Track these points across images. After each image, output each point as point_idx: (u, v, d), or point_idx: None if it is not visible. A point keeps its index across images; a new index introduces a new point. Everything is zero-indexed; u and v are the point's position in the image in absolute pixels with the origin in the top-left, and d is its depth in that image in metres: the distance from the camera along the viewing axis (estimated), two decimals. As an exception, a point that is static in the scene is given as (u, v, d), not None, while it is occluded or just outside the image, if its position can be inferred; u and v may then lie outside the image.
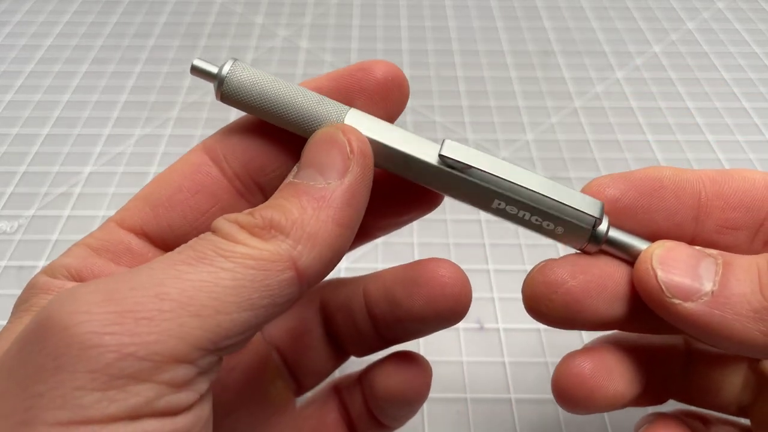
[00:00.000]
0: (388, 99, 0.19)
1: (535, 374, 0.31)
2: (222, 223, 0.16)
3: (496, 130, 0.44)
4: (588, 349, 0.20)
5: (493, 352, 0.32)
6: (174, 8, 0.57)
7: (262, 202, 0.19)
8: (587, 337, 0.32)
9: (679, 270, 0.17)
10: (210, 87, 0.47)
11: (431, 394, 0.24)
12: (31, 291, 0.17)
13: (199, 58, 0.18)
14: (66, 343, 0.13)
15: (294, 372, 0.23)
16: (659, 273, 0.17)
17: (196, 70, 0.18)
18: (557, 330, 0.32)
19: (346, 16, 0.56)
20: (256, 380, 0.22)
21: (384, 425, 0.23)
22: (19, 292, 0.37)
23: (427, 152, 0.19)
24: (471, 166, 0.18)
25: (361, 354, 0.24)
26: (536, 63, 0.51)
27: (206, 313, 0.14)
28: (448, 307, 0.20)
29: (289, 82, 0.18)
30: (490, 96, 0.48)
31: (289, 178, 0.17)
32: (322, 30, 0.54)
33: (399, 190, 0.21)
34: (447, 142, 0.18)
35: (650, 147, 0.43)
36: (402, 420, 0.23)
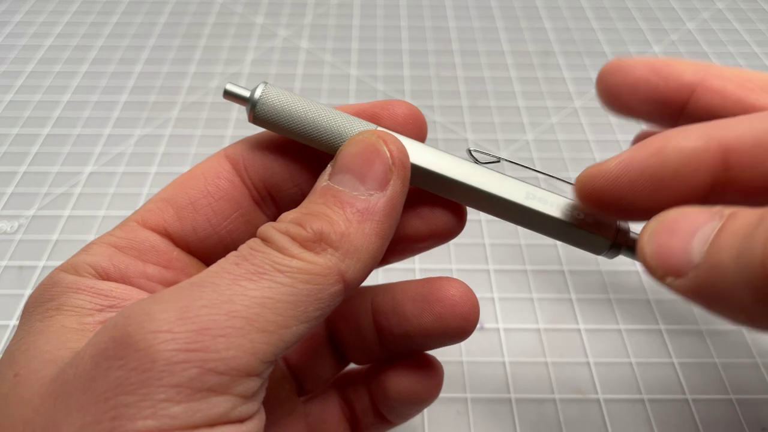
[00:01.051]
0: (406, 135, 0.20)
1: (535, 374, 0.31)
2: (273, 233, 0.16)
3: (496, 130, 0.45)
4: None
5: (493, 352, 0.32)
6: (174, 8, 0.57)
7: (275, 212, 0.20)
8: (592, 345, 0.32)
9: (669, 245, 0.16)
10: (210, 88, 0.47)
11: (431, 404, 0.24)
12: (56, 289, 0.17)
13: (231, 82, 0.19)
14: (151, 359, 0.14)
15: (297, 376, 0.24)
16: (647, 250, 0.16)
17: (229, 95, 0.19)
18: (557, 330, 0.32)
19: (346, 16, 0.56)
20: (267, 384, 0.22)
21: (388, 421, 0.23)
22: (19, 291, 0.37)
23: (455, 157, 0.19)
24: (499, 158, 0.19)
25: (362, 362, 0.24)
26: (536, 63, 0.51)
27: (271, 328, 0.15)
28: (456, 326, 0.21)
29: (317, 103, 0.19)
30: (490, 96, 0.48)
31: (324, 179, 0.18)
32: (322, 30, 0.54)
33: (420, 213, 0.21)
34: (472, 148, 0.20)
35: (650, 147, 0.43)
36: (408, 417, 0.24)
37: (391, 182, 0.17)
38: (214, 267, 0.16)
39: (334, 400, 0.24)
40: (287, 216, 0.17)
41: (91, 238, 0.36)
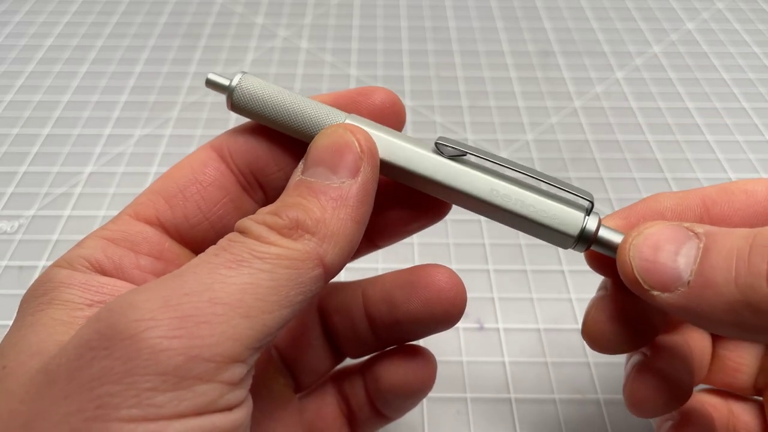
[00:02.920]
0: (384, 124, 0.20)
1: (535, 374, 0.31)
2: (250, 224, 0.16)
3: (496, 130, 0.45)
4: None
5: (493, 351, 0.32)
6: (174, 8, 0.57)
7: (263, 198, 0.21)
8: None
9: (657, 258, 0.17)
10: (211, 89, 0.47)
11: (431, 394, 0.24)
12: (49, 284, 0.17)
13: (214, 72, 0.20)
14: (135, 348, 0.14)
15: (293, 370, 0.24)
16: (635, 264, 0.18)
17: (210, 83, 0.20)
18: (557, 330, 0.32)
19: (346, 16, 0.56)
20: (260, 377, 0.22)
21: (384, 416, 0.24)
22: (19, 291, 0.37)
23: (423, 149, 0.20)
24: (465, 152, 0.20)
25: (357, 355, 0.24)
26: (536, 63, 0.51)
27: (254, 313, 0.15)
28: (443, 310, 0.21)
29: (292, 92, 0.20)
30: (490, 96, 0.48)
31: (298, 174, 0.18)
32: (322, 30, 0.54)
33: (402, 199, 0.22)
34: (440, 136, 0.20)
35: (650, 147, 0.43)
36: (403, 411, 0.24)
37: (362, 169, 0.18)
38: (195, 259, 0.16)
39: (331, 396, 0.24)
40: (264, 209, 0.17)
41: (91, 238, 0.36)
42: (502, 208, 0.19)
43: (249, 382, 0.16)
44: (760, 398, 0.23)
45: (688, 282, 0.17)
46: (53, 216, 0.38)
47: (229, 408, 0.15)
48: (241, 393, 0.15)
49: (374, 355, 0.24)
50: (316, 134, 0.19)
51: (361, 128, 0.19)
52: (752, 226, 0.17)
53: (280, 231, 0.16)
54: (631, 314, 0.19)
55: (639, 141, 0.44)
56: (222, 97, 0.46)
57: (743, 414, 0.23)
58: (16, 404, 0.14)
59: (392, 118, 0.21)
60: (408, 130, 0.44)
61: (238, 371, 0.15)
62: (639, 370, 0.21)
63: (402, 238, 0.23)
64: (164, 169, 0.41)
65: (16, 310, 0.18)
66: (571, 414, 0.29)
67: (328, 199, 0.17)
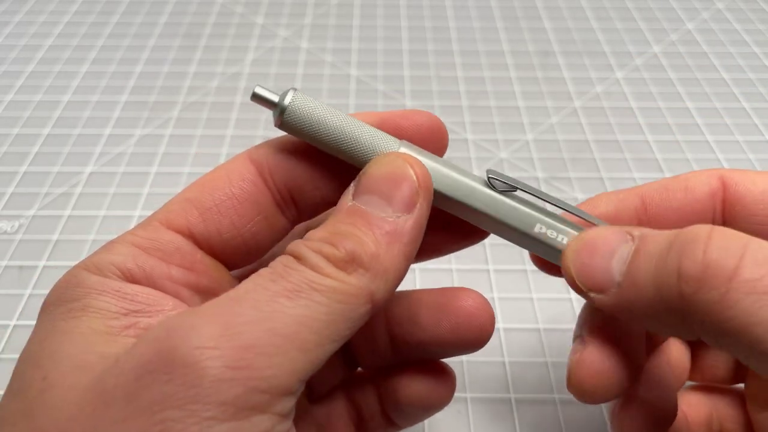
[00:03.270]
0: (427, 147, 0.20)
1: (535, 374, 0.31)
2: (306, 252, 0.16)
3: (496, 130, 0.45)
4: (595, 340, 0.20)
5: (493, 352, 0.32)
6: (174, 8, 0.57)
7: (295, 215, 0.21)
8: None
9: (592, 264, 0.18)
10: (211, 88, 0.47)
11: (442, 409, 0.24)
12: (80, 289, 0.17)
13: (260, 86, 0.19)
14: (198, 375, 0.14)
15: (308, 380, 0.24)
16: (573, 268, 0.18)
17: (257, 98, 0.19)
18: (557, 330, 0.32)
19: (346, 16, 0.56)
20: None
21: (395, 425, 0.24)
22: (19, 291, 0.37)
23: (475, 182, 0.20)
24: (516, 187, 0.20)
25: (372, 367, 0.24)
26: (536, 63, 0.51)
27: (309, 347, 0.15)
28: (473, 337, 0.21)
29: (344, 114, 0.19)
30: (490, 96, 0.48)
31: (349, 199, 0.18)
32: (322, 30, 0.54)
33: (444, 223, 0.22)
34: (490, 169, 0.20)
35: (650, 147, 0.43)
36: (417, 421, 0.24)
37: (418, 205, 0.17)
38: (249, 283, 0.16)
39: (341, 403, 0.24)
40: (315, 234, 0.17)
41: (91, 238, 0.36)
42: (543, 243, 0.20)
43: (294, 412, 0.16)
44: (742, 385, 0.24)
45: (619, 283, 0.17)
46: (53, 216, 0.38)
47: None
48: (288, 424, 0.15)
49: (392, 367, 0.23)
50: (367, 159, 0.19)
51: (417, 160, 0.18)
52: (690, 223, 0.18)
53: (336, 263, 0.16)
54: (615, 361, 0.19)
55: (639, 141, 0.44)
56: (224, 96, 0.46)
57: (727, 407, 0.23)
58: (65, 421, 0.14)
59: (435, 142, 0.20)
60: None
61: (289, 404, 0.15)
62: (624, 404, 0.21)
63: (436, 257, 0.23)
64: (164, 169, 0.41)
65: (20, 312, 0.18)
66: (571, 414, 0.29)
67: (383, 233, 0.17)
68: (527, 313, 0.33)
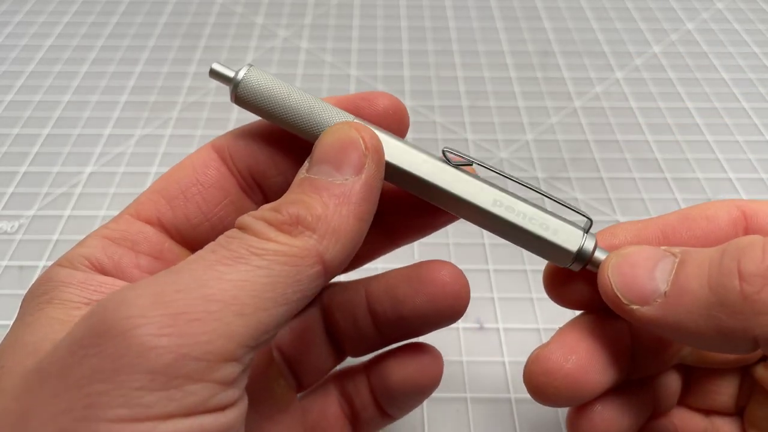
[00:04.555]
0: (388, 129, 0.20)
1: (535, 374, 0.31)
2: (249, 220, 0.16)
3: (496, 130, 0.45)
4: (562, 340, 0.20)
5: (493, 351, 0.32)
6: (174, 8, 0.57)
7: (262, 200, 0.21)
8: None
9: (634, 275, 0.18)
10: (210, 88, 0.47)
11: (431, 393, 0.24)
12: (50, 283, 0.17)
13: (218, 62, 0.19)
14: (125, 345, 0.13)
15: (295, 370, 0.24)
16: (613, 281, 0.18)
17: (214, 73, 0.19)
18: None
19: (346, 16, 0.56)
20: (261, 379, 0.22)
21: (388, 415, 0.24)
22: (19, 291, 0.37)
23: (429, 156, 0.20)
24: (471, 161, 0.20)
25: (359, 353, 0.24)
26: (536, 63, 0.51)
27: (248, 311, 0.15)
28: (448, 305, 0.21)
29: (299, 90, 0.19)
30: (490, 96, 0.48)
31: (302, 173, 0.18)
32: (322, 30, 0.54)
33: (408, 209, 0.22)
34: (446, 146, 0.20)
35: (650, 147, 0.43)
36: (408, 410, 0.24)
37: (366, 166, 0.17)
38: (191, 256, 0.16)
39: (333, 396, 0.24)
40: (265, 206, 0.17)
41: (91, 238, 0.36)
42: (503, 220, 0.19)
43: (244, 381, 0.15)
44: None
45: (665, 293, 0.17)
46: (53, 216, 0.38)
47: (221, 408, 0.14)
48: (234, 393, 0.15)
49: (379, 354, 0.24)
50: (320, 133, 0.19)
51: (366, 127, 0.19)
52: None
53: (280, 227, 0.16)
54: (576, 368, 0.19)
55: (639, 141, 0.44)
56: (224, 96, 0.46)
57: (724, 425, 0.23)
58: (9, 402, 0.14)
59: (395, 123, 0.20)
60: (408, 130, 0.44)
61: (230, 370, 0.14)
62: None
63: (407, 243, 0.23)
64: (164, 169, 0.41)
65: (20, 303, 0.18)
66: (571, 414, 0.29)
67: (330, 195, 0.17)
68: (527, 313, 0.33)
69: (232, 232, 0.16)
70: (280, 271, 0.15)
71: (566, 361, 0.19)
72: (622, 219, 0.38)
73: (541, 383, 0.19)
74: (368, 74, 0.50)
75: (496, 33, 0.55)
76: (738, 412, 0.23)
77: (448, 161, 0.20)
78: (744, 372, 0.22)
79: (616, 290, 0.18)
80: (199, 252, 0.16)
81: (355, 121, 0.19)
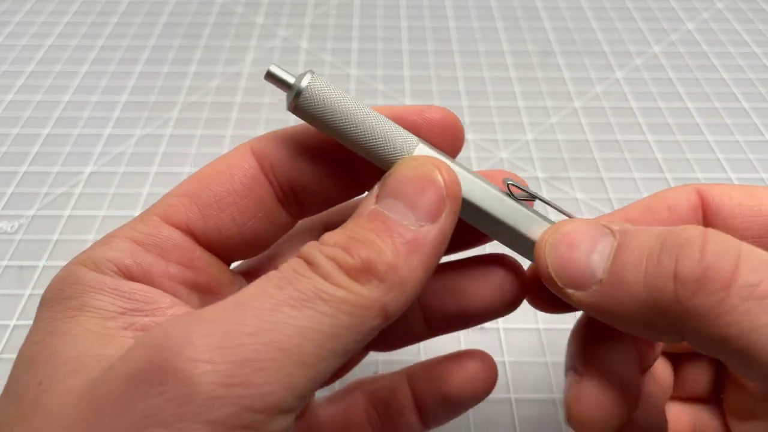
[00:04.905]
0: (443, 144, 0.19)
1: (535, 374, 0.31)
2: (319, 257, 0.15)
3: (496, 130, 0.45)
4: (590, 372, 0.20)
5: (493, 351, 0.31)
6: (174, 8, 0.57)
7: (298, 211, 0.20)
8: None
9: (571, 258, 0.17)
10: (211, 88, 0.47)
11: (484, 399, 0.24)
12: (77, 287, 0.16)
13: (276, 65, 0.18)
14: (189, 391, 0.13)
15: None
16: (550, 262, 0.17)
17: (271, 77, 0.18)
18: (557, 330, 0.32)
19: (346, 16, 0.56)
20: None
21: (425, 425, 0.23)
22: (19, 291, 0.37)
23: (496, 189, 0.19)
24: (535, 197, 0.19)
25: (394, 347, 0.23)
26: (536, 63, 0.51)
27: (310, 362, 0.14)
28: (512, 299, 0.21)
29: (362, 102, 0.18)
30: (490, 96, 0.48)
31: (372, 202, 0.17)
32: (322, 30, 0.54)
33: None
34: (508, 178, 0.19)
35: (650, 147, 0.43)
36: (451, 417, 0.24)
37: (444, 214, 0.16)
38: (256, 288, 0.15)
39: (359, 403, 0.23)
40: (332, 238, 0.16)
41: (91, 237, 0.36)
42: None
43: (292, 428, 0.15)
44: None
45: (601, 280, 0.17)
46: (53, 216, 0.38)
47: None
48: None
49: (425, 362, 0.23)
50: (382, 156, 0.18)
51: (446, 165, 0.17)
52: None
53: (349, 272, 0.15)
54: (614, 392, 0.19)
55: (639, 141, 0.44)
56: (224, 95, 0.46)
57: (710, 419, 0.23)
58: (58, 428, 0.14)
59: (451, 139, 0.19)
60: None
61: (285, 421, 0.14)
62: None
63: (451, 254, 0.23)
64: (164, 169, 0.41)
65: (20, 312, 0.17)
66: (571, 414, 0.29)
67: (403, 242, 0.16)
68: (527, 313, 0.33)
69: (299, 266, 0.15)
70: (344, 321, 0.15)
71: (606, 390, 0.19)
72: (622, 219, 0.38)
73: (591, 419, 0.19)
74: (368, 74, 0.50)
75: (496, 33, 0.55)
76: (716, 397, 0.23)
77: (511, 194, 0.19)
78: (718, 361, 0.22)
79: (552, 272, 0.17)
80: (264, 285, 0.15)
81: (420, 146, 0.18)
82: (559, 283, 0.17)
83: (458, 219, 0.18)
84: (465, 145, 0.43)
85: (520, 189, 0.19)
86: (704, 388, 0.23)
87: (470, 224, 0.19)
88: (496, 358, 0.31)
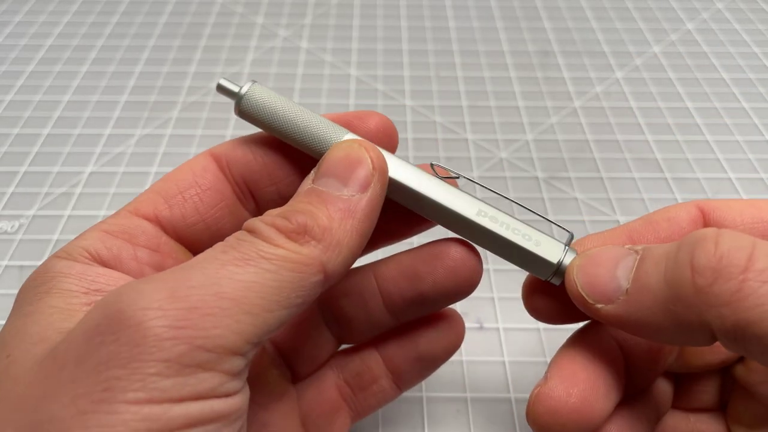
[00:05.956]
0: (379, 144, 0.21)
1: (535, 373, 0.31)
2: (259, 225, 0.17)
3: (496, 130, 0.45)
4: (560, 374, 0.20)
5: (492, 351, 0.32)
6: (174, 8, 0.57)
7: (255, 208, 0.22)
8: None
9: (597, 274, 0.19)
10: (211, 88, 0.47)
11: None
12: (48, 274, 0.18)
13: (224, 78, 0.21)
14: (142, 335, 0.14)
15: (290, 362, 0.24)
16: (579, 281, 0.19)
17: (220, 89, 0.21)
18: (557, 329, 0.32)
19: (346, 16, 0.56)
20: (254, 370, 0.22)
21: (398, 388, 0.25)
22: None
23: (420, 170, 0.21)
24: (459, 175, 0.21)
25: (362, 338, 0.25)
26: (536, 63, 0.51)
27: (256, 311, 0.16)
28: (466, 277, 0.22)
29: (299, 105, 0.21)
30: (490, 96, 0.48)
31: (308, 182, 0.19)
32: (322, 30, 0.54)
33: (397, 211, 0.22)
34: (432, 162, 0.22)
35: (650, 147, 0.43)
36: (425, 376, 0.25)
37: (372, 185, 0.18)
38: (202, 254, 0.17)
39: (330, 380, 0.25)
40: (272, 212, 0.18)
41: (91, 237, 0.36)
42: (486, 230, 0.20)
43: (246, 373, 0.16)
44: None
45: (627, 290, 0.18)
46: (53, 216, 0.38)
47: (228, 395, 0.15)
48: (239, 383, 0.16)
49: (392, 330, 0.24)
50: (316, 147, 0.20)
51: (374, 146, 0.19)
52: None
53: (288, 234, 0.17)
54: (579, 401, 0.19)
55: (639, 141, 0.44)
56: (223, 98, 0.46)
57: (707, 421, 0.23)
58: (23, 388, 0.15)
59: (386, 142, 0.21)
60: (408, 130, 0.44)
61: (237, 363, 0.15)
62: None
63: (397, 242, 0.24)
64: (164, 169, 0.41)
65: (14, 301, 0.18)
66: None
67: (336, 209, 0.18)
68: (527, 313, 0.33)
69: (242, 234, 0.17)
70: (286, 276, 0.16)
71: (569, 396, 0.19)
72: (622, 219, 0.38)
73: (547, 423, 0.19)
74: (368, 74, 0.50)
75: (496, 33, 0.55)
76: (721, 407, 0.23)
77: (435, 174, 0.21)
78: (724, 371, 0.23)
79: (581, 290, 0.19)
80: (209, 251, 0.17)
81: (346, 137, 0.20)
82: (589, 300, 0.19)
83: (394, 203, 0.21)
84: (465, 144, 0.43)
85: (444, 169, 0.21)
86: (710, 399, 0.23)
87: (405, 206, 0.21)
88: (496, 358, 0.32)
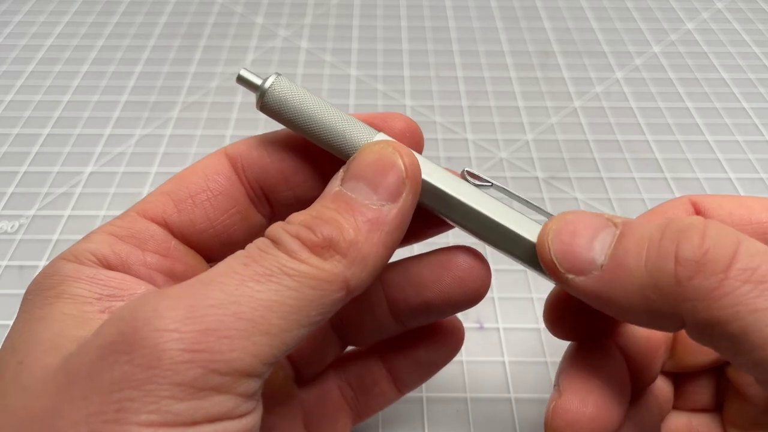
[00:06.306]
0: None
1: (535, 374, 0.31)
2: (283, 235, 0.16)
3: (496, 130, 0.45)
4: (572, 385, 0.20)
5: (493, 351, 0.32)
6: (174, 8, 0.57)
7: (269, 212, 0.21)
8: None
9: (573, 244, 0.18)
10: (211, 88, 0.47)
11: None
12: (57, 277, 0.17)
13: (246, 69, 0.19)
14: (157, 357, 0.14)
15: (297, 365, 0.24)
16: (552, 247, 0.18)
17: (241, 80, 0.19)
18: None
19: (346, 16, 0.56)
20: None
21: (398, 389, 0.24)
22: (20, 291, 0.37)
23: (453, 175, 0.20)
24: (491, 182, 0.20)
25: (367, 343, 0.24)
26: (536, 63, 0.51)
27: (274, 331, 0.15)
28: (474, 288, 0.22)
29: (324, 101, 0.19)
30: (490, 96, 0.48)
31: (336, 184, 0.18)
32: (322, 30, 0.54)
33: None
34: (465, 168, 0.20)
35: (650, 147, 0.43)
36: (425, 378, 0.25)
37: (403, 195, 0.17)
38: (222, 266, 0.16)
39: (332, 383, 0.24)
40: (297, 218, 0.17)
41: (91, 238, 0.36)
42: (518, 236, 0.19)
43: (260, 392, 0.16)
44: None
45: (602, 266, 0.17)
46: (54, 216, 0.38)
47: (242, 416, 0.15)
48: (253, 403, 0.16)
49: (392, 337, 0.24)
50: (344, 148, 0.19)
51: (408, 149, 0.18)
52: None
53: (312, 248, 0.16)
54: (595, 410, 0.19)
55: (639, 141, 0.44)
56: (224, 95, 0.46)
57: (711, 427, 0.23)
58: (33, 400, 0.15)
59: (412, 145, 0.20)
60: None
61: (252, 385, 0.15)
62: None
63: (416, 242, 0.24)
64: (164, 169, 0.41)
65: (20, 302, 0.18)
66: (570, 414, 0.29)
67: (364, 220, 0.17)
68: (527, 313, 0.33)
69: (264, 244, 0.16)
70: (307, 294, 0.16)
71: (585, 406, 0.19)
72: (622, 219, 0.38)
73: None
74: (368, 74, 0.50)
75: (496, 33, 0.55)
76: (718, 408, 0.23)
77: (468, 181, 0.20)
78: (719, 371, 0.23)
79: (554, 257, 0.18)
80: (230, 262, 0.16)
81: (378, 137, 0.19)
82: (560, 269, 0.18)
83: (419, 204, 0.19)
84: (465, 145, 0.43)
85: (476, 176, 0.20)
86: (706, 400, 0.23)
87: (431, 210, 0.20)
88: (496, 358, 0.32)
